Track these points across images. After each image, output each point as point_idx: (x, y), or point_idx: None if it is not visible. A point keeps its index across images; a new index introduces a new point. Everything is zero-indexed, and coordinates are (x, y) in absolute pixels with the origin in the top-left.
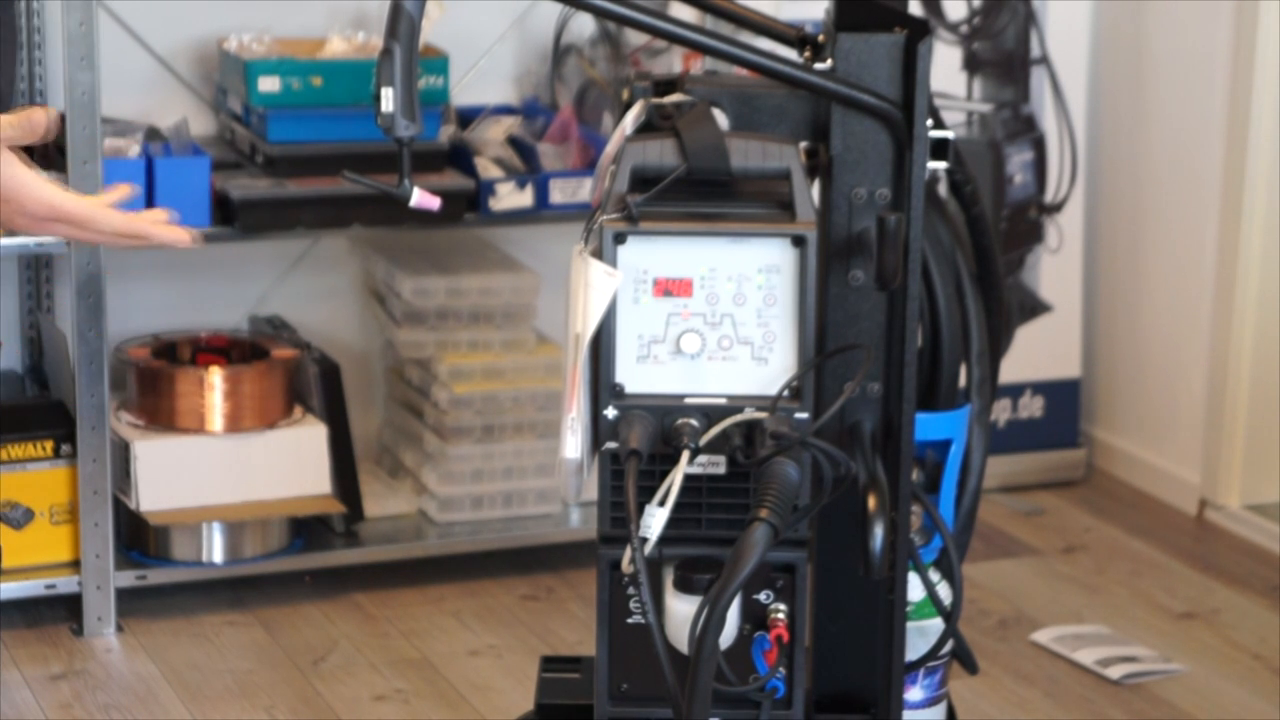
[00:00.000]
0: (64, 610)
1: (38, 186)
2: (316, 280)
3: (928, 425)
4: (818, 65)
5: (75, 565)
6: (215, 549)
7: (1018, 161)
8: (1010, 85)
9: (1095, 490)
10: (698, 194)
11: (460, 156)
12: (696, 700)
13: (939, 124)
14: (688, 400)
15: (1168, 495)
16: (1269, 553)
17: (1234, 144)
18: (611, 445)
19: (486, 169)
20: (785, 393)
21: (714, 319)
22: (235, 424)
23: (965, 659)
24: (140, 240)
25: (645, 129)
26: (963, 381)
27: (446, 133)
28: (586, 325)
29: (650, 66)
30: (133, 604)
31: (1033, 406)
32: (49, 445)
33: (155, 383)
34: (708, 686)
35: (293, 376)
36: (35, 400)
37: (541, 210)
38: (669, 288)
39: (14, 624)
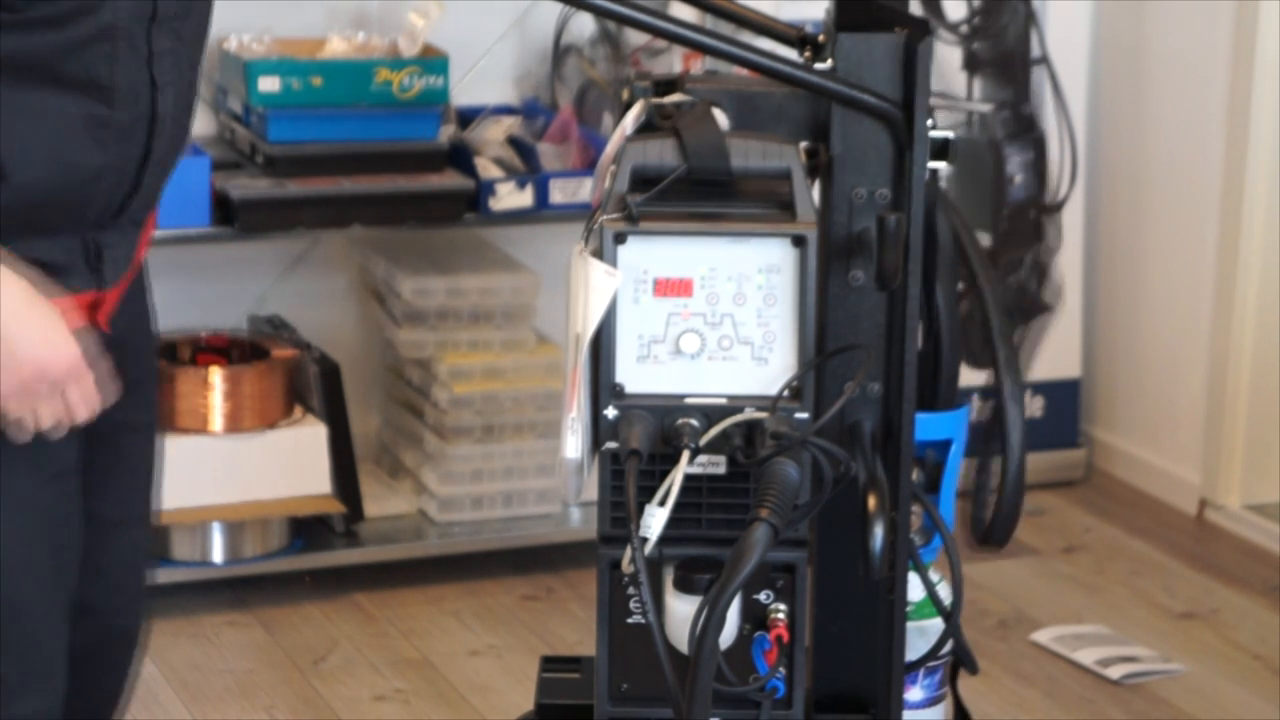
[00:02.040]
0: None
1: None
2: (316, 280)
3: (928, 425)
4: (818, 65)
5: None
6: (215, 549)
7: (1018, 161)
8: (1010, 85)
9: (1095, 490)
10: (698, 194)
11: (460, 156)
12: (696, 700)
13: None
14: (688, 400)
15: (1168, 495)
16: (1269, 553)
17: (1234, 144)
18: (611, 445)
19: (486, 169)
20: (785, 393)
21: (714, 319)
22: (235, 424)
23: (965, 659)
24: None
25: (645, 129)
26: (972, 380)
27: (446, 133)
28: (586, 325)
29: (650, 66)
30: None
31: (1033, 406)
32: None
33: None
34: (707, 686)
35: (293, 376)
36: None
37: (541, 210)
38: (669, 288)
39: None
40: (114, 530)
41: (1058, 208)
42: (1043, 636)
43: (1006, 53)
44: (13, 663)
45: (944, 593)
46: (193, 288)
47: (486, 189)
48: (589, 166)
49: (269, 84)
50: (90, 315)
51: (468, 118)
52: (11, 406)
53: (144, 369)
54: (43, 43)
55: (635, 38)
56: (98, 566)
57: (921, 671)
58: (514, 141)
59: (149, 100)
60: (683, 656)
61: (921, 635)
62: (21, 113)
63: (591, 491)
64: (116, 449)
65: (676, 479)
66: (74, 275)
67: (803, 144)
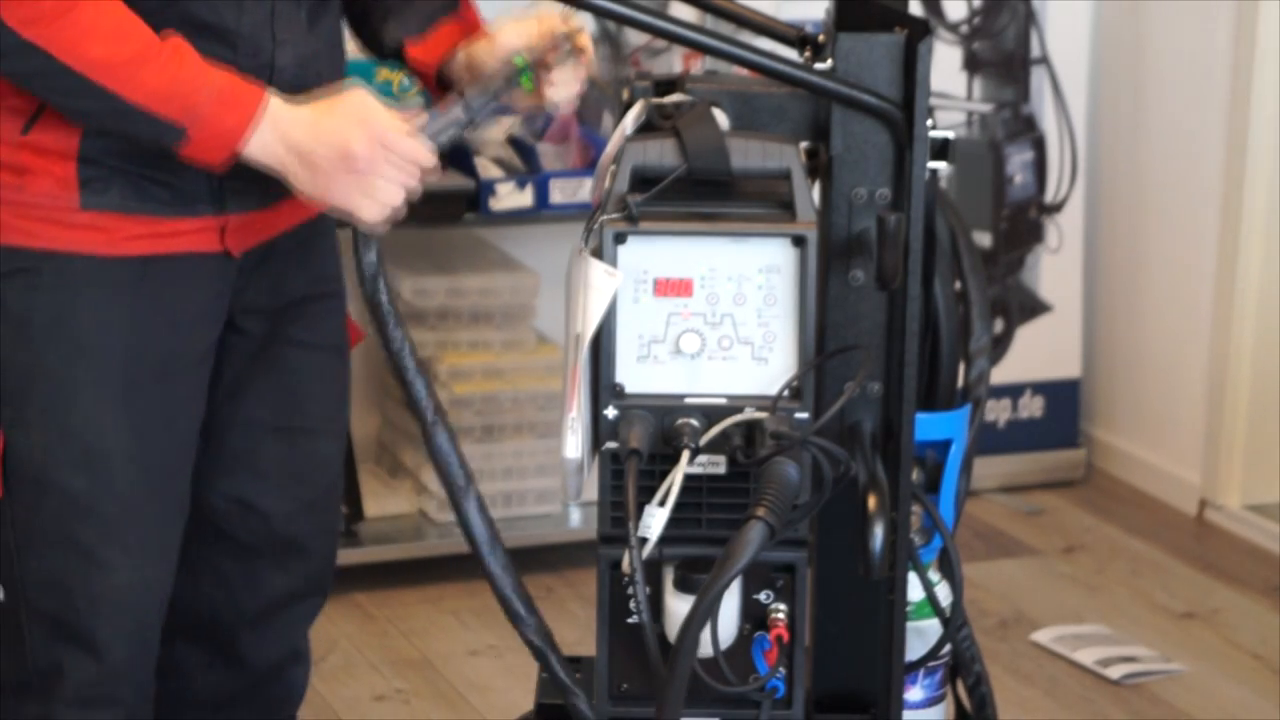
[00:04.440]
0: None
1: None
2: None
3: (927, 425)
4: (818, 65)
5: None
6: None
7: (1018, 161)
8: (1010, 85)
9: (1095, 490)
10: (698, 194)
11: (460, 156)
12: (673, 686)
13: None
14: (688, 400)
15: (1168, 495)
16: (1269, 553)
17: (1234, 144)
18: (611, 445)
19: (486, 169)
20: (785, 393)
21: (714, 319)
22: None
23: (961, 659)
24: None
25: (645, 129)
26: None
27: None
28: (586, 325)
29: (650, 66)
30: None
31: (1033, 406)
32: None
33: None
34: (684, 677)
35: None
36: None
37: (541, 210)
38: (669, 288)
39: None
40: (273, 435)
41: (1058, 208)
42: (1043, 636)
43: (1006, 53)
44: (104, 538)
45: (943, 593)
46: None
47: (486, 189)
48: (589, 166)
49: None
50: (220, 239)
51: None
52: (339, 200)
53: (314, 291)
54: None
55: (635, 38)
56: (255, 468)
57: (921, 671)
58: (514, 141)
59: (270, 52)
60: None
61: (920, 636)
62: None
63: (591, 491)
64: (275, 359)
65: (676, 479)
66: (199, 201)
67: (803, 144)
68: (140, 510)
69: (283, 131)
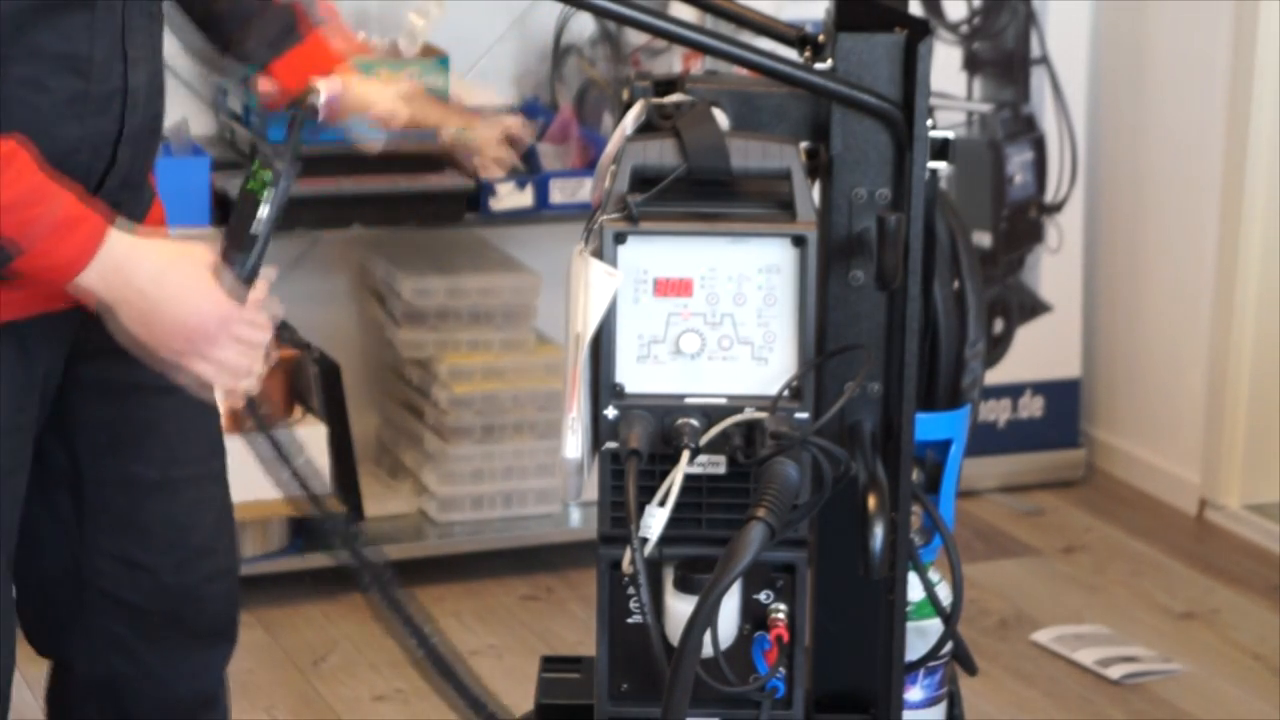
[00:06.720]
0: None
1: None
2: (316, 280)
3: (927, 425)
4: (818, 65)
5: None
6: None
7: (1018, 161)
8: (1010, 85)
9: (1095, 490)
10: (698, 194)
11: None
12: (677, 689)
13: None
14: (688, 400)
15: (1168, 495)
16: (1269, 553)
17: (1234, 144)
18: (611, 445)
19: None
20: (785, 393)
21: (714, 319)
22: (235, 424)
23: (963, 660)
24: None
25: (645, 129)
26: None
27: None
28: (586, 325)
29: (650, 66)
30: None
31: (1033, 406)
32: None
33: None
34: (688, 679)
35: (293, 376)
36: None
37: (541, 210)
38: (669, 288)
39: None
40: (155, 491)
41: (1058, 208)
42: (1043, 636)
43: (1006, 53)
44: None
45: (943, 593)
46: None
47: (486, 189)
48: (589, 166)
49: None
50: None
51: None
52: (181, 363)
53: None
54: (22, 8)
55: (635, 38)
56: (139, 524)
57: (921, 671)
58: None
59: (121, 74)
60: None
61: (921, 635)
62: (2, 82)
63: (591, 491)
64: (149, 410)
65: (676, 479)
66: None
67: (803, 144)
68: (5, 589)
69: (125, 272)
